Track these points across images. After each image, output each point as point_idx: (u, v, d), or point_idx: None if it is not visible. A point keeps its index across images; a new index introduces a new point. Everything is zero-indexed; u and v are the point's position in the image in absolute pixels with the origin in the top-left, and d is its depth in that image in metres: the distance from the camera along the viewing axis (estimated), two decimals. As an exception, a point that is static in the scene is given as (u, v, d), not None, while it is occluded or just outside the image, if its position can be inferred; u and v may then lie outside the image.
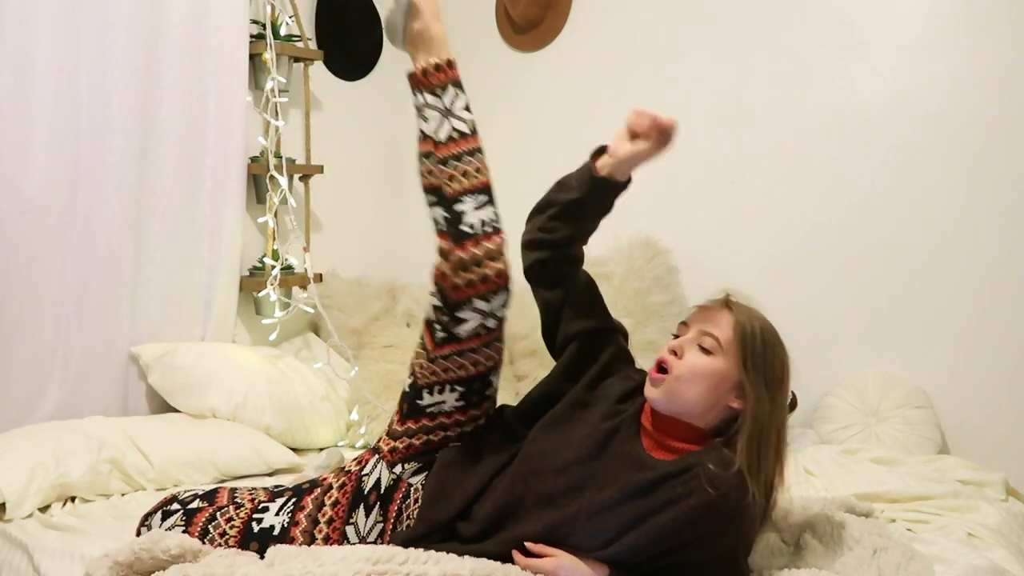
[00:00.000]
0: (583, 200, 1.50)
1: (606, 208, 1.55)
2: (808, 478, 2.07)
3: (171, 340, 2.51)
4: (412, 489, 1.49)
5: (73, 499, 1.91)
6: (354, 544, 1.48)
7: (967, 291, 2.31)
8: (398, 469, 1.50)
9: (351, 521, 1.48)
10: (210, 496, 1.55)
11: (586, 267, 2.77)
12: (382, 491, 1.49)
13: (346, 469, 1.57)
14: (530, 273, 1.57)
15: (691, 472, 1.33)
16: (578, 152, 2.98)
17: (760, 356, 1.39)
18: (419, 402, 1.49)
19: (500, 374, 1.55)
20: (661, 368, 1.40)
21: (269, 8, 2.72)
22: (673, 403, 1.39)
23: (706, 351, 1.38)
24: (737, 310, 1.41)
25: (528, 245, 1.56)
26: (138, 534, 1.56)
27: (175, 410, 2.41)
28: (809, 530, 1.69)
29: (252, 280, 2.76)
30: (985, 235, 2.28)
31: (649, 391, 1.41)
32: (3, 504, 1.79)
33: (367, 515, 1.48)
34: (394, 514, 1.47)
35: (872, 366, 2.44)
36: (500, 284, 1.41)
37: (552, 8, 3.03)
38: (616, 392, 1.49)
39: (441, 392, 1.48)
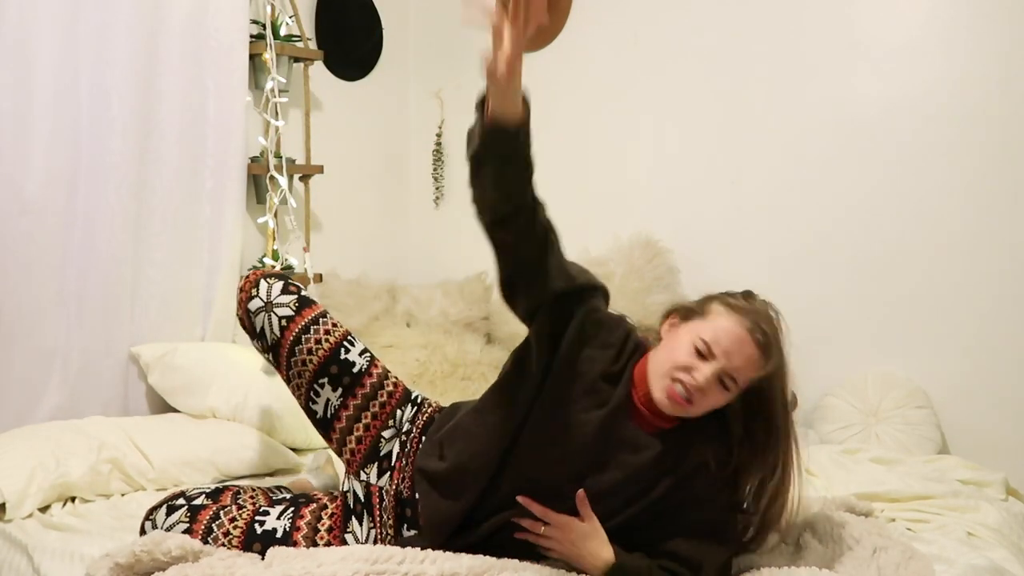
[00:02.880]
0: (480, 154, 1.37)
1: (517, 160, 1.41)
2: (808, 478, 2.07)
3: (171, 340, 2.51)
4: (384, 492, 1.52)
5: (73, 499, 1.91)
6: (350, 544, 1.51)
7: (967, 291, 2.31)
8: (363, 476, 1.54)
9: (348, 530, 1.52)
10: (215, 495, 1.60)
11: (586, 267, 2.79)
12: (362, 500, 1.54)
13: (335, 493, 1.66)
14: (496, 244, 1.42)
15: (686, 457, 1.41)
16: (578, 152, 2.99)
17: (778, 389, 1.43)
18: (318, 416, 1.57)
19: (357, 343, 1.60)
20: (687, 389, 1.36)
21: (269, 8, 2.72)
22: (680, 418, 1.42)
23: (725, 387, 1.37)
24: (764, 346, 1.39)
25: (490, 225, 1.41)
26: (142, 529, 1.58)
27: (175, 410, 2.41)
28: (809, 530, 1.69)
29: (252, 280, 2.76)
30: (985, 235, 2.28)
31: (664, 404, 1.38)
32: (3, 504, 1.78)
33: (360, 524, 1.52)
34: (379, 519, 1.51)
35: (872, 366, 2.44)
36: (245, 286, 1.60)
37: (552, 8, 3.02)
38: (598, 371, 1.43)
39: (317, 394, 1.56)
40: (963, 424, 2.34)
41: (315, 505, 1.56)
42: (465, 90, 3.30)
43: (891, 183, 2.41)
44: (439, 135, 3.36)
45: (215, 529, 1.48)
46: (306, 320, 1.56)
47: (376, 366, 1.60)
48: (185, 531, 1.49)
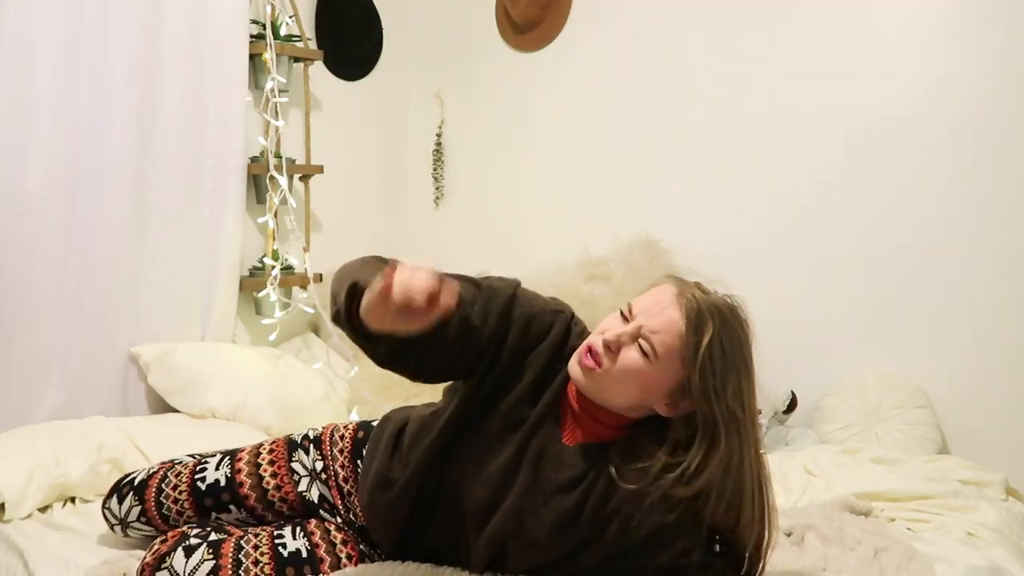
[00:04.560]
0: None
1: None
2: (808, 478, 2.07)
3: (171, 340, 2.51)
4: (334, 429, 1.57)
5: (73, 499, 1.91)
6: (303, 477, 1.53)
7: (967, 291, 2.31)
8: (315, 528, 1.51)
9: (293, 460, 1.55)
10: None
11: (586, 267, 2.80)
12: (311, 439, 1.58)
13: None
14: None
15: (610, 468, 1.27)
16: (578, 152, 2.99)
17: (719, 378, 1.20)
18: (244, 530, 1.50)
19: (209, 461, 1.60)
20: (594, 354, 1.25)
21: (269, 8, 2.72)
22: (597, 396, 1.29)
23: (644, 353, 1.23)
24: (690, 314, 1.22)
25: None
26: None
27: (175, 410, 2.41)
28: (810, 530, 1.70)
29: (252, 280, 2.76)
30: (986, 235, 2.28)
31: (576, 373, 1.28)
32: (2, 504, 1.78)
33: (307, 454, 1.55)
34: (329, 452, 1.54)
35: (872, 366, 2.44)
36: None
37: (552, 8, 3.03)
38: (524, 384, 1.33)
39: (221, 522, 1.55)
40: (963, 424, 2.33)
41: (250, 447, 1.60)
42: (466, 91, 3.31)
43: (892, 182, 2.40)
44: (439, 135, 3.36)
45: (243, 560, 1.39)
46: (154, 492, 1.56)
47: (239, 459, 1.58)
48: (213, 568, 1.37)
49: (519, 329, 1.32)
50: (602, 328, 1.28)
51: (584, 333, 1.37)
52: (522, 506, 1.29)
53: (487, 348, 1.31)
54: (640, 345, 1.23)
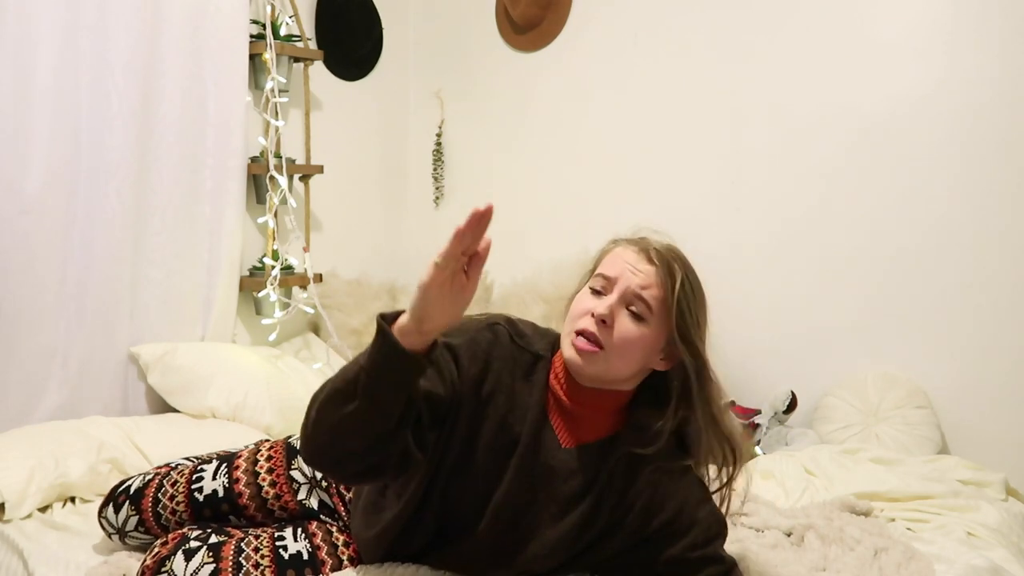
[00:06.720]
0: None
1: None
2: (808, 478, 2.07)
3: (171, 340, 2.51)
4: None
5: (73, 499, 1.91)
6: (303, 484, 1.51)
7: (968, 291, 2.31)
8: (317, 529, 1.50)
9: (292, 468, 1.52)
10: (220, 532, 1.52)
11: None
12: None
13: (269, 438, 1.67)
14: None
15: (618, 456, 1.28)
16: (577, 152, 2.99)
17: (695, 317, 1.25)
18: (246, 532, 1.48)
19: (206, 468, 1.56)
20: (589, 335, 1.22)
21: (269, 8, 2.72)
22: (603, 376, 1.25)
23: (637, 316, 1.23)
24: (660, 262, 1.26)
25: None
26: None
27: (175, 410, 2.41)
28: (810, 530, 1.70)
29: (252, 280, 2.76)
30: (986, 235, 2.28)
31: (575, 362, 1.23)
32: (2, 504, 1.78)
33: None
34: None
35: (872, 366, 2.44)
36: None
37: (552, 8, 3.03)
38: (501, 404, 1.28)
39: (223, 530, 1.49)
40: (963, 424, 2.33)
41: (247, 452, 1.57)
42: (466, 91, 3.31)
43: (892, 182, 2.41)
44: (439, 135, 3.36)
45: (244, 563, 1.36)
46: (150, 501, 1.54)
47: (237, 467, 1.54)
48: (213, 572, 1.35)
49: (467, 359, 1.26)
50: (580, 311, 1.25)
51: (524, 328, 1.33)
52: (540, 523, 1.29)
53: (451, 399, 1.24)
54: (631, 309, 1.23)
